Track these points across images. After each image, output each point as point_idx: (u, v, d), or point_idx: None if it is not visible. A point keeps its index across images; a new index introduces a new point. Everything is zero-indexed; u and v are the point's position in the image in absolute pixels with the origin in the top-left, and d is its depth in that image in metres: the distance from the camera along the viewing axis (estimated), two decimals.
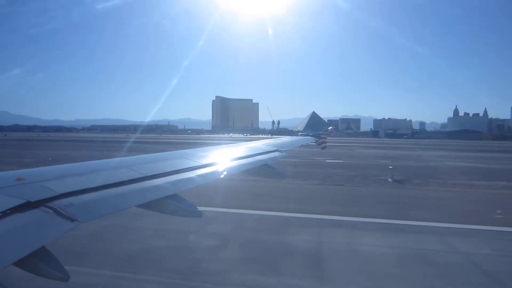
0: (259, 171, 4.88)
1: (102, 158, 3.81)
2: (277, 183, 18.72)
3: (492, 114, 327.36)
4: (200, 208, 3.06)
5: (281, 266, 9.14)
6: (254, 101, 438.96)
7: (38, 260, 1.91)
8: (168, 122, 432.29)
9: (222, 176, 3.96)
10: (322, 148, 13.12)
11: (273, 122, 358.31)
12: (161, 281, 8.05)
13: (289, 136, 13.51)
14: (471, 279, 8.69)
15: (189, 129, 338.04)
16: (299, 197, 18.09)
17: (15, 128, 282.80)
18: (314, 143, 12.13)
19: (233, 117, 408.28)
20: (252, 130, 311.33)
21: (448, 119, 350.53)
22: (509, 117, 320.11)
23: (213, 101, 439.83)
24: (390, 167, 28.35)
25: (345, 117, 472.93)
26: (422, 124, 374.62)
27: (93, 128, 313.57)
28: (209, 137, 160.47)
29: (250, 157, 5.24)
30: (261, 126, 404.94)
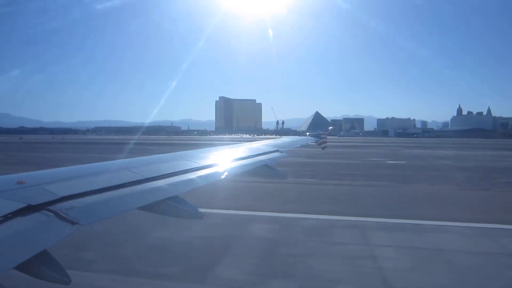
0: (259, 171, 4.90)
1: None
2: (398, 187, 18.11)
3: (494, 113, 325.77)
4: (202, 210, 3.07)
5: None
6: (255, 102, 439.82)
7: (40, 264, 1.92)
8: (171, 123, 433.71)
9: (222, 177, 3.97)
10: (322, 148, 13.00)
11: (277, 122, 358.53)
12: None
13: (289, 136, 13.47)
14: None
15: (195, 130, 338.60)
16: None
17: (22, 130, 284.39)
18: (314, 143, 12.07)
19: (237, 118, 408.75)
20: (256, 130, 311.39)
21: (452, 117, 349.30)
22: None
23: (216, 101, 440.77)
24: None
25: (347, 117, 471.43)
26: (423, 123, 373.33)
27: (97, 130, 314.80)
28: (220, 138, 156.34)
29: (250, 157, 5.26)
30: (264, 126, 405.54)
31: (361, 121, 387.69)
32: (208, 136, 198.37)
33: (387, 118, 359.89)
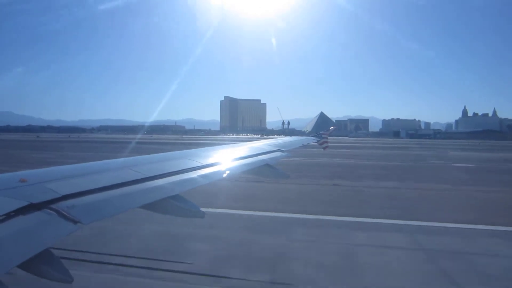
0: (260, 171, 4.89)
1: None
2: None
3: (499, 114, 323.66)
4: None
5: None
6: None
7: (42, 263, 1.92)
8: (175, 122, 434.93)
9: (224, 175, 3.98)
10: (324, 148, 12.92)
11: (283, 122, 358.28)
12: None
13: (290, 136, 13.47)
14: None
15: (202, 130, 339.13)
16: None
17: (30, 128, 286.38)
18: (316, 143, 12.04)
19: (242, 118, 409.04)
20: (261, 130, 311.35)
21: (459, 118, 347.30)
22: None
23: (221, 101, 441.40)
24: None
25: (349, 118, 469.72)
26: (427, 124, 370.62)
27: (103, 129, 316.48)
28: (231, 137, 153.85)
29: (251, 157, 5.25)
30: (268, 126, 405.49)
31: (366, 122, 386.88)
32: (218, 136, 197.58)
33: (392, 119, 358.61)
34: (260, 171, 4.88)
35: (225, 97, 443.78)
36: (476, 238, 11.07)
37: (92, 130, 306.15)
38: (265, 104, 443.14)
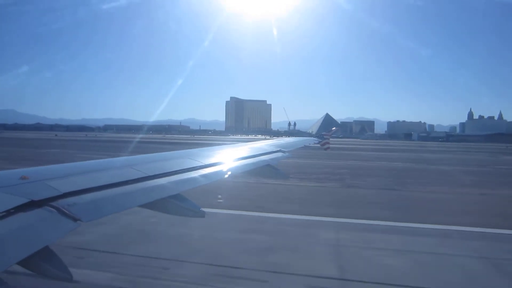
0: (262, 171, 4.89)
1: None
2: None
3: (505, 117, 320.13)
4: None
5: None
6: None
7: (42, 260, 1.92)
8: (180, 122, 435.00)
9: (225, 176, 3.98)
10: (325, 149, 12.92)
11: (289, 123, 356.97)
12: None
13: (291, 137, 13.46)
14: None
15: (210, 130, 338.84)
16: None
17: (38, 127, 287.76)
18: (317, 144, 12.04)
19: (247, 118, 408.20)
20: (267, 131, 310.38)
21: (465, 121, 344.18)
22: None
23: (227, 101, 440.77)
24: None
25: (352, 120, 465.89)
26: (431, 126, 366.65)
27: (108, 128, 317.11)
28: (245, 138, 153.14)
29: (253, 157, 5.25)
30: (273, 127, 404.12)
31: (371, 123, 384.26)
32: (227, 136, 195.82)
33: (397, 121, 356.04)
34: (261, 172, 4.87)
35: (231, 97, 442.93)
36: None
37: (99, 129, 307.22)
38: (271, 105, 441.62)
